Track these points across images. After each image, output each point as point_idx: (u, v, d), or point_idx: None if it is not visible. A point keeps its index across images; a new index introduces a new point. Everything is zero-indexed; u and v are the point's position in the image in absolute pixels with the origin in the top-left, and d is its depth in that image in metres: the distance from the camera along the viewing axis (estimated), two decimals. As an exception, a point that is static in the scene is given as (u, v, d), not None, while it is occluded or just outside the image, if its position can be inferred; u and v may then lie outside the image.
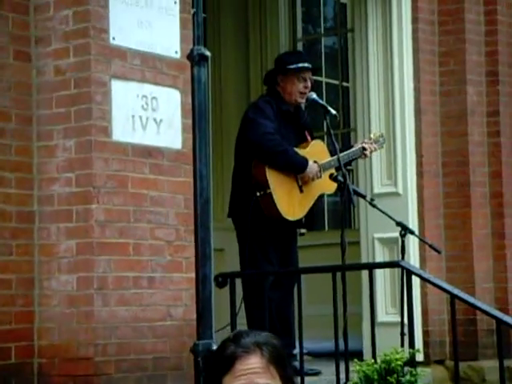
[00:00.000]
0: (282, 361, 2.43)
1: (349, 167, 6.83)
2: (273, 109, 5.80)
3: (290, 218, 5.71)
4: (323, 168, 5.85)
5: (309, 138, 6.02)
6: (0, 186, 4.88)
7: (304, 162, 5.75)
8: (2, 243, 4.87)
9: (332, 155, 5.87)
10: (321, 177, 5.83)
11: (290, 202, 5.72)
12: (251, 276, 5.67)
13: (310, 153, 5.88)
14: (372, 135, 6.28)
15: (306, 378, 5.01)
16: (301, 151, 5.84)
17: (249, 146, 5.71)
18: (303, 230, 5.96)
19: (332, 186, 5.82)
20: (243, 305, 5.68)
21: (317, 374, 5.79)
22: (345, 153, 5.98)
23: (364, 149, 6.06)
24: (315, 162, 5.84)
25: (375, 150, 6.19)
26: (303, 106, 6.16)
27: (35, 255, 4.97)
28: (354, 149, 6.04)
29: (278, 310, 5.73)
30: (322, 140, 6.45)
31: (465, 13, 7.13)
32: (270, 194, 5.62)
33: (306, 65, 5.93)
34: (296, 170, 5.74)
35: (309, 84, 5.93)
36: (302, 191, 5.80)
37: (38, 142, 5.03)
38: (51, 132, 5.00)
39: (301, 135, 6.00)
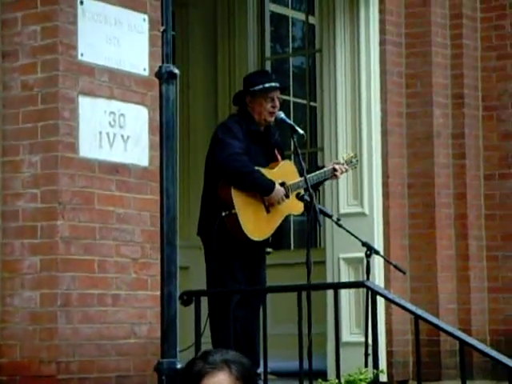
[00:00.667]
0: (250, 379, 2.46)
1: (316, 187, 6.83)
2: (242, 129, 5.80)
3: (255, 238, 5.71)
4: (291, 189, 5.86)
5: (279, 157, 6.02)
6: (-36, 201, 4.84)
7: (270, 185, 5.75)
8: (-35, 258, 4.82)
9: (301, 175, 5.89)
10: (288, 197, 5.84)
11: (256, 223, 5.71)
12: (217, 294, 5.65)
13: (279, 173, 5.88)
14: (345, 155, 6.28)
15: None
16: (269, 172, 5.84)
17: (216, 167, 5.71)
18: (269, 249, 5.95)
19: (299, 207, 5.83)
20: (208, 324, 5.65)
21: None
22: (314, 173, 5.98)
23: (335, 169, 6.08)
24: (283, 183, 5.85)
25: (346, 171, 6.19)
26: (272, 124, 6.16)
27: (-2, 271, 4.93)
28: (324, 169, 6.03)
29: (243, 329, 5.72)
30: (289, 159, 6.45)
31: (431, 36, 7.20)
32: (235, 215, 5.62)
33: (272, 84, 5.94)
34: (262, 192, 5.75)
35: (277, 103, 5.94)
36: (268, 211, 5.80)
37: (4, 156, 4.99)
38: (17, 147, 4.96)
39: (270, 155, 6.00)
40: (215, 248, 5.66)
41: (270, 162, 5.95)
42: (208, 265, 5.77)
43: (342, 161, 6.19)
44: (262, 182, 5.74)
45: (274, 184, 5.77)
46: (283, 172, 5.92)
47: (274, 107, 5.91)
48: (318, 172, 5.99)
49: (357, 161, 6.34)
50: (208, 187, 5.84)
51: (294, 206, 5.86)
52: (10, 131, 4.99)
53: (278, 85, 5.99)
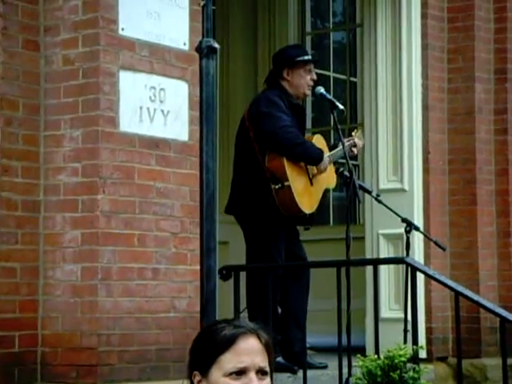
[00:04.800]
0: (271, 349, 2.45)
1: (354, 162, 6.83)
2: (284, 102, 5.79)
3: (307, 210, 5.71)
4: (330, 160, 5.89)
5: None
6: (6, 175, 4.89)
7: (320, 155, 5.77)
8: (8, 232, 4.87)
9: (330, 150, 5.91)
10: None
11: (305, 195, 5.71)
12: (256, 269, 5.66)
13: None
14: (353, 133, 6.27)
15: (311, 371, 5.01)
16: (308, 144, 5.84)
17: (266, 139, 5.68)
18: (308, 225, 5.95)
19: (334, 180, 5.85)
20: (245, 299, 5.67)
21: (324, 367, 5.79)
22: (336, 150, 5.95)
23: (353, 145, 6.06)
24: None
25: (362, 146, 6.23)
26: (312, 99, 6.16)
27: (40, 244, 4.98)
28: (345, 144, 5.97)
29: (285, 303, 5.72)
30: (328, 134, 6.44)
31: (475, 10, 7.11)
32: (289, 187, 5.59)
33: (310, 57, 5.97)
34: (313, 161, 5.75)
35: (314, 76, 5.94)
36: (312, 184, 5.81)
37: (45, 131, 5.03)
38: (58, 122, 5.00)
39: (304, 128, 6.03)
40: (259, 223, 5.63)
41: (303, 135, 5.95)
42: (252, 240, 5.73)
43: (355, 137, 6.17)
44: (314, 152, 5.75)
45: (323, 153, 5.78)
46: (318, 145, 5.91)
47: (312, 79, 5.91)
48: (339, 148, 5.92)
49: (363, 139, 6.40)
50: (247, 162, 5.80)
51: (331, 179, 5.87)
52: (52, 106, 5.02)
53: (317, 60, 5.99)
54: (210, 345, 2.42)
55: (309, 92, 5.97)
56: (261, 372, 2.39)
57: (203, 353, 2.42)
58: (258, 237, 5.65)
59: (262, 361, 2.40)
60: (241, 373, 2.37)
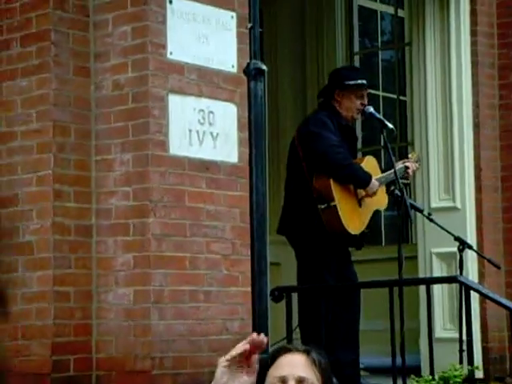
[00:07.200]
0: (325, 370, 2.50)
1: (405, 181, 6.79)
2: (333, 123, 5.79)
3: (353, 231, 5.68)
4: (379, 182, 5.84)
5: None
6: (59, 200, 4.94)
7: (368, 178, 5.73)
8: (61, 256, 4.92)
9: (382, 172, 5.88)
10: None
11: (352, 216, 5.69)
12: (308, 290, 5.63)
13: (366, 168, 5.85)
14: (411, 155, 6.25)
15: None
16: (358, 166, 5.82)
17: (314, 159, 5.68)
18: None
19: (385, 202, 5.80)
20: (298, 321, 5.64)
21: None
22: (387, 172, 5.92)
23: (407, 167, 6.03)
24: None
25: (417, 169, 6.18)
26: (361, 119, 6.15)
27: (93, 268, 5.02)
28: (398, 167, 5.94)
29: (336, 325, 5.69)
30: (378, 154, 6.42)
31: (524, 25, 7.05)
32: (335, 207, 5.58)
33: (365, 82, 5.92)
34: (359, 184, 5.73)
35: (366, 101, 5.91)
36: (360, 206, 5.78)
37: (97, 155, 5.08)
38: (109, 146, 5.05)
39: (354, 150, 6.00)
40: (308, 243, 5.63)
41: (354, 157, 5.93)
42: (303, 260, 5.73)
43: (412, 159, 6.14)
44: (361, 174, 5.72)
45: (371, 176, 5.75)
46: (368, 167, 5.89)
47: (362, 104, 5.88)
48: (391, 171, 5.88)
49: (420, 161, 6.35)
50: (296, 182, 5.81)
51: (381, 201, 5.84)
52: (103, 130, 5.07)
53: (371, 85, 5.97)
54: (266, 365, 2.55)
55: (358, 116, 5.97)
56: (301, 381, 2.45)
57: (260, 370, 2.53)
58: (309, 257, 5.64)
59: (305, 372, 2.47)
60: (282, 381, 2.46)
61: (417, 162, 6.23)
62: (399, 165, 6.03)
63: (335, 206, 5.57)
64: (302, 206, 5.70)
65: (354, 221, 5.69)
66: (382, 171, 5.97)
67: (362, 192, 5.77)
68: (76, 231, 4.98)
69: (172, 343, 4.86)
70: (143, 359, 4.80)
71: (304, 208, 5.67)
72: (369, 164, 5.93)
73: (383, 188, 5.91)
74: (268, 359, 2.54)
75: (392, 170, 5.70)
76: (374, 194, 5.78)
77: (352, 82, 5.85)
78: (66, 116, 5.01)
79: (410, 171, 6.07)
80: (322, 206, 5.57)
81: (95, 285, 5.00)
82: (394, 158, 5.74)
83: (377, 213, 6.07)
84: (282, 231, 5.87)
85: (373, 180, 5.75)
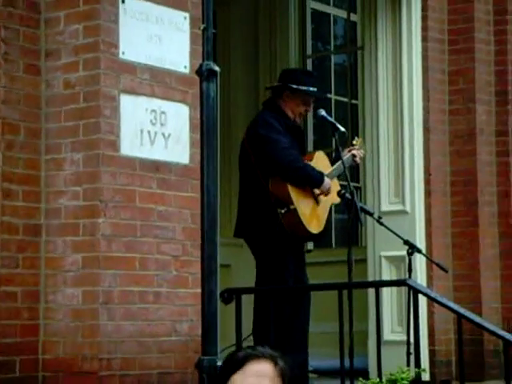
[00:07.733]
0: (286, 377, 2.48)
1: (356, 184, 6.83)
2: (281, 124, 5.80)
3: (315, 231, 5.71)
4: (330, 178, 5.88)
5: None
6: (8, 199, 4.89)
7: (321, 178, 5.76)
8: (9, 256, 4.87)
9: (332, 163, 5.92)
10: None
11: (312, 216, 5.72)
12: (257, 292, 5.63)
13: (316, 165, 5.88)
14: (355, 141, 6.28)
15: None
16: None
17: (267, 163, 5.68)
18: (310, 247, 5.95)
19: (336, 197, 5.86)
20: (248, 322, 5.63)
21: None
22: (337, 164, 5.95)
23: (354, 156, 6.09)
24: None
25: (363, 155, 6.25)
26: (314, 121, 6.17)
27: (41, 268, 4.97)
28: (344, 158, 5.97)
29: (287, 326, 5.69)
30: (329, 156, 6.44)
31: (475, 32, 7.14)
32: (295, 210, 5.60)
33: (315, 90, 5.92)
34: (313, 185, 5.76)
35: (310, 109, 5.97)
36: (318, 204, 5.81)
37: (46, 154, 5.04)
38: (59, 145, 5.00)
39: (304, 149, 6.03)
40: (268, 246, 5.63)
41: (304, 154, 5.96)
42: (263, 262, 5.72)
43: (356, 146, 6.19)
44: (315, 175, 5.75)
45: (323, 175, 5.78)
46: (319, 164, 5.92)
47: (306, 111, 5.94)
48: (339, 162, 5.92)
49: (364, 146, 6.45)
50: (250, 187, 5.80)
51: (333, 197, 5.89)
52: (53, 129, 5.03)
53: (322, 95, 6.00)
54: (226, 365, 2.54)
55: (299, 121, 6.01)
56: None
57: (220, 373, 2.55)
58: (269, 259, 5.65)
59: None
60: None
61: (361, 147, 6.28)
62: (346, 154, 6.06)
63: (295, 209, 5.60)
64: (260, 210, 5.69)
65: (313, 220, 5.73)
66: (332, 163, 5.99)
67: (316, 190, 5.80)
68: (24, 231, 4.93)
69: (120, 344, 4.83)
70: (91, 360, 4.76)
71: (262, 212, 5.66)
72: (319, 160, 5.96)
73: (336, 181, 5.94)
74: (230, 361, 2.52)
75: (340, 162, 5.74)
76: (329, 192, 5.81)
77: (303, 88, 5.87)
78: (16, 114, 4.96)
79: (357, 159, 6.12)
80: (282, 211, 5.58)
81: (43, 285, 4.95)
82: (344, 162, 5.76)
83: (328, 216, 6.09)
84: (239, 234, 5.86)
85: (325, 179, 5.78)
